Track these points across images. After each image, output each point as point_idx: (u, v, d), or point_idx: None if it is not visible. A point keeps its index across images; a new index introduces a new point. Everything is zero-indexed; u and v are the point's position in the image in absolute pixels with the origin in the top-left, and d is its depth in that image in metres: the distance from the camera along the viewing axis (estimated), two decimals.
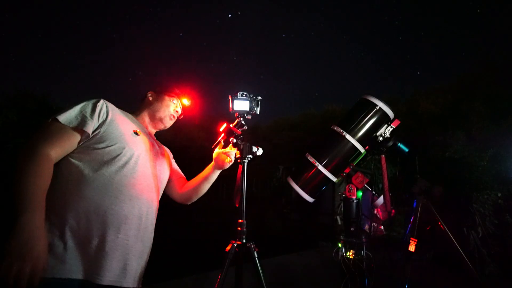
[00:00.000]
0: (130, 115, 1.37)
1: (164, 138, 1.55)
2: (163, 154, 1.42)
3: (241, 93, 1.52)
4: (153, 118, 1.43)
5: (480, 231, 3.71)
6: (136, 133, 1.25)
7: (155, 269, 1.25)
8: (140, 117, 1.43)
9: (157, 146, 1.40)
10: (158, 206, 1.32)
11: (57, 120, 1.09)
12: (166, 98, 1.45)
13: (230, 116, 1.57)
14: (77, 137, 1.11)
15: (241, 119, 1.53)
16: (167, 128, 1.49)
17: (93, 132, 1.13)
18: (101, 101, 1.20)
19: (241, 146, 1.50)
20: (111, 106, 1.23)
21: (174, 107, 1.47)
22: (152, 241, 1.28)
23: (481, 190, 4.64)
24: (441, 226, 2.45)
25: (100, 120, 1.16)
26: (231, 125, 1.51)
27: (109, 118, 1.18)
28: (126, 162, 1.16)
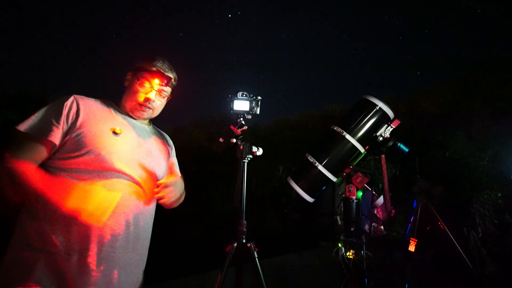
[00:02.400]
0: (113, 107, 1.19)
1: None
2: (158, 150, 1.26)
3: (241, 93, 1.52)
4: (128, 107, 1.20)
5: (480, 231, 3.71)
6: (115, 132, 1.09)
7: (155, 269, 1.24)
8: (122, 106, 1.21)
9: (148, 140, 1.23)
10: (153, 209, 1.21)
11: (18, 131, 0.99)
12: (136, 82, 1.18)
13: (230, 115, 1.57)
14: (43, 148, 1.01)
15: (241, 119, 1.53)
16: (146, 118, 1.26)
17: (63, 139, 1.02)
18: (70, 99, 1.06)
19: (241, 146, 1.50)
20: (83, 102, 1.08)
21: (144, 94, 1.18)
22: (147, 247, 1.19)
23: (481, 190, 4.63)
24: (441, 226, 2.45)
25: (70, 123, 1.03)
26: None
27: (80, 119, 1.04)
28: (106, 168, 1.03)
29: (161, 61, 1.21)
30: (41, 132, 1.00)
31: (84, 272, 0.97)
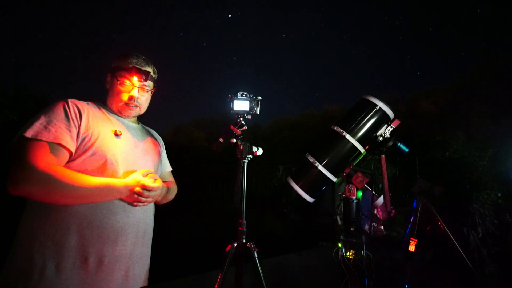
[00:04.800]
0: (104, 108, 1.19)
1: (163, 137, 1.53)
2: (151, 148, 1.28)
3: (241, 93, 1.52)
4: (116, 108, 1.21)
5: (480, 231, 3.71)
6: (116, 134, 1.11)
7: (155, 269, 1.25)
8: (109, 108, 1.22)
9: (142, 140, 1.25)
10: (154, 205, 1.26)
11: (30, 139, 0.95)
12: (116, 83, 1.18)
13: (230, 115, 1.56)
14: (63, 154, 0.99)
15: (241, 119, 1.53)
16: (135, 116, 1.28)
17: (76, 144, 1.01)
18: (70, 104, 1.05)
19: (241, 146, 1.50)
20: (81, 106, 1.08)
21: (127, 93, 1.19)
22: (151, 240, 1.25)
23: (481, 190, 4.63)
24: (441, 226, 2.45)
25: (77, 127, 1.03)
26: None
27: (83, 122, 1.05)
28: (113, 171, 1.05)
29: (135, 57, 1.20)
30: (56, 139, 0.97)
31: (100, 271, 1.00)
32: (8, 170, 0.94)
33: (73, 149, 1.00)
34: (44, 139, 0.96)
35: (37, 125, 0.98)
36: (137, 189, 1.04)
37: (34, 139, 0.95)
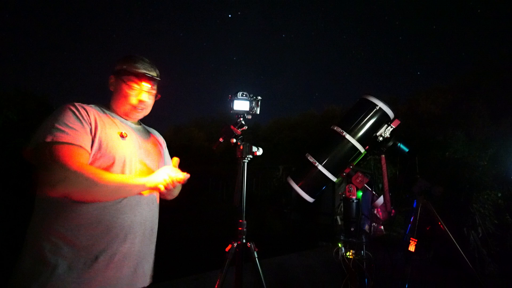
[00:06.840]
0: (108, 111, 1.20)
1: (163, 137, 1.53)
2: (153, 148, 1.31)
3: (241, 93, 1.53)
4: (122, 111, 1.22)
5: (480, 231, 3.71)
6: (122, 136, 1.13)
7: (155, 269, 1.25)
8: (113, 110, 1.23)
9: (145, 140, 1.27)
10: (159, 203, 1.28)
11: (49, 143, 0.96)
12: (124, 86, 1.19)
13: (230, 115, 1.57)
14: (86, 155, 1.00)
15: (241, 119, 1.53)
16: (141, 118, 1.30)
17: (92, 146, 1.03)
18: (78, 107, 1.07)
19: (241, 146, 1.50)
20: (88, 109, 1.09)
21: (135, 97, 1.20)
22: (156, 238, 1.27)
23: (481, 190, 4.63)
24: (441, 226, 2.45)
25: (89, 130, 1.05)
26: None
27: (92, 125, 1.06)
28: (120, 172, 1.08)
29: (141, 62, 1.22)
30: (76, 141, 0.99)
31: (110, 269, 1.02)
32: (39, 174, 0.97)
33: (90, 150, 1.03)
34: (66, 141, 0.98)
35: (55, 130, 0.99)
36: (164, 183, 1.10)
37: (57, 142, 0.97)
